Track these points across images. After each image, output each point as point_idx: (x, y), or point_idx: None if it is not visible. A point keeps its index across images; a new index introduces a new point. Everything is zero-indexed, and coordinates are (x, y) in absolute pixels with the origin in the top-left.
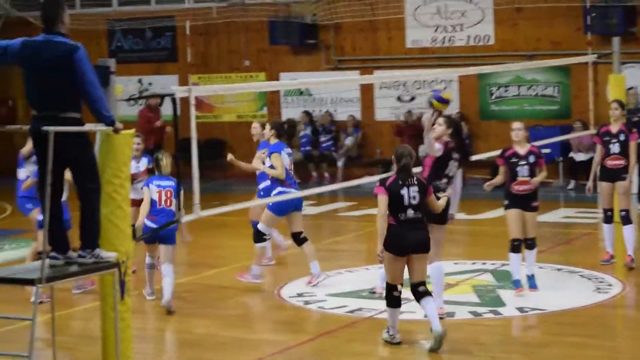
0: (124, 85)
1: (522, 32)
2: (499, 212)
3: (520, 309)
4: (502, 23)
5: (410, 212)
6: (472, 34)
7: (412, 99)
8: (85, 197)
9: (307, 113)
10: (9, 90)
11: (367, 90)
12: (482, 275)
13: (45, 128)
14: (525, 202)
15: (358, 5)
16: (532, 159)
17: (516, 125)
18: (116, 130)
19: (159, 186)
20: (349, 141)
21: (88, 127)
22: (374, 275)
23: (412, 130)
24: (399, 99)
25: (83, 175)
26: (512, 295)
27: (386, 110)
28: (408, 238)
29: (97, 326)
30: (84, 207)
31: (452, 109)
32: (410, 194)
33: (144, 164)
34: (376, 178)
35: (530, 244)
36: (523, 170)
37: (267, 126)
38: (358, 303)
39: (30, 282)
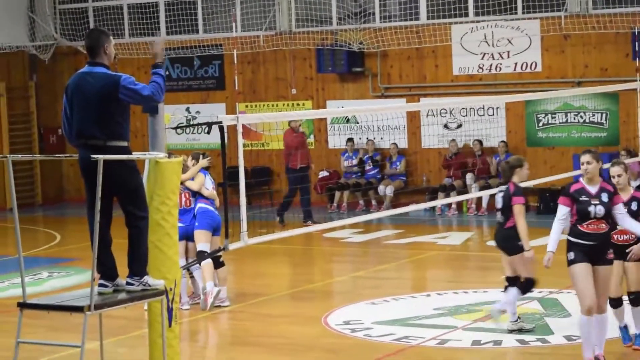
0: (172, 114)
1: (570, 58)
2: (546, 239)
3: (568, 337)
4: (549, 49)
5: None
6: (519, 61)
7: (459, 126)
8: (133, 225)
9: (351, 140)
10: (58, 119)
11: (413, 118)
12: (529, 303)
13: (94, 157)
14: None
15: (404, 33)
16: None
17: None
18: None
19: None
20: (396, 165)
21: (136, 155)
22: (421, 303)
23: (458, 163)
24: (445, 126)
25: (131, 203)
26: (559, 322)
27: (433, 137)
28: None
29: (146, 354)
30: (131, 235)
31: (499, 137)
32: None
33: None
34: (423, 206)
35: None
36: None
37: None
38: (404, 331)
39: (79, 309)
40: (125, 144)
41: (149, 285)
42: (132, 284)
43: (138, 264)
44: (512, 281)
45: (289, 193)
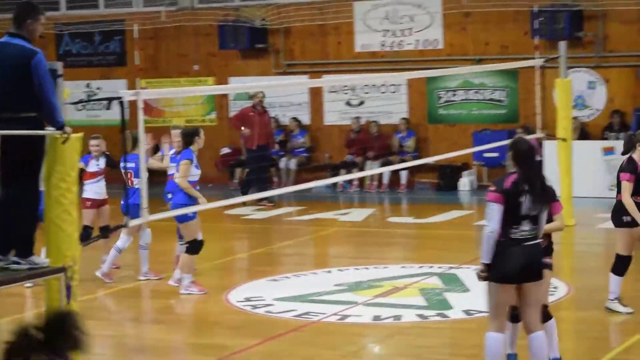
0: (71, 89)
1: (471, 36)
2: (446, 215)
3: (467, 312)
4: (450, 27)
5: None
6: (421, 38)
7: (361, 103)
8: (19, 199)
9: None
10: None
11: (316, 95)
12: (429, 278)
13: None
14: None
15: (307, 10)
16: None
17: None
18: (65, 134)
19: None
20: (297, 138)
21: (35, 132)
22: (322, 279)
23: (360, 140)
24: (347, 103)
25: (23, 176)
26: (458, 297)
27: (335, 114)
28: None
29: None
30: (16, 210)
31: (401, 114)
32: None
33: (103, 163)
34: (325, 183)
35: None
36: None
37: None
38: (306, 307)
39: None
40: (34, 114)
41: (36, 264)
42: (18, 263)
43: (25, 242)
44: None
45: (250, 172)
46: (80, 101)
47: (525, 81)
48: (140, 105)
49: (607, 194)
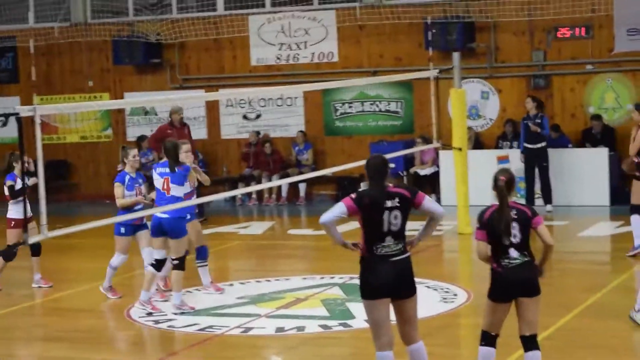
0: None
1: (365, 48)
2: (346, 226)
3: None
4: (345, 40)
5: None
6: (316, 51)
7: (258, 116)
8: None
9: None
10: None
11: (212, 109)
12: (331, 289)
13: None
14: None
15: (202, 24)
16: None
17: None
18: None
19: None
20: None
21: None
22: (224, 293)
23: (257, 153)
24: (244, 117)
25: None
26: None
27: (232, 127)
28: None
29: None
30: None
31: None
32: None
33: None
34: (223, 196)
35: None
36: None
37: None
38: (208, 321)
39: None
40: None
41: None
42: None
43: None
44: None
45: None
46: None
47: (420, 92)
48: (38, 121)
49: None
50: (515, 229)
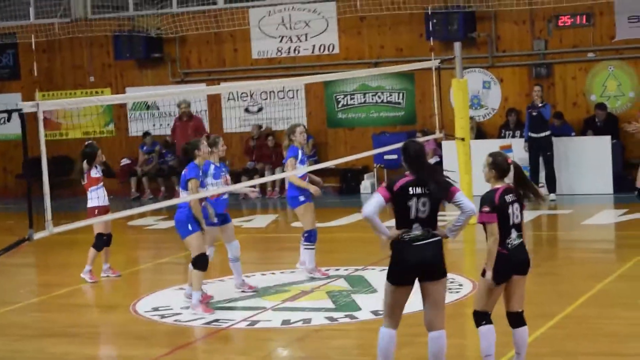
0: None
1: (366, 39)
2: (349, 218)
3: (375, 312)
4: (346, 31)
5: None
6: (317, 43)
7: (260, 109)
8: None
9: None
10: None
11: (214, 103)
12: (336, 281)
13: None
14: None
15: (202, 18)
16: None
17: None
18: None
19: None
20: None
21: None
22: (229, 286)
23: (260, 147)
24: (246, 110)
25: None
26: (366, 298)
27: (234, 121)
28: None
29: None
30: None
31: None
32: None
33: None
34: (227, 189)
35: None
36: None
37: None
38: (214, 314)
39: None
40: None
41: None
42: None
43: None
44: None
45: None
46: None
47: (422, 83)
48: (41, 117)
49: None
50: (518, 210)
